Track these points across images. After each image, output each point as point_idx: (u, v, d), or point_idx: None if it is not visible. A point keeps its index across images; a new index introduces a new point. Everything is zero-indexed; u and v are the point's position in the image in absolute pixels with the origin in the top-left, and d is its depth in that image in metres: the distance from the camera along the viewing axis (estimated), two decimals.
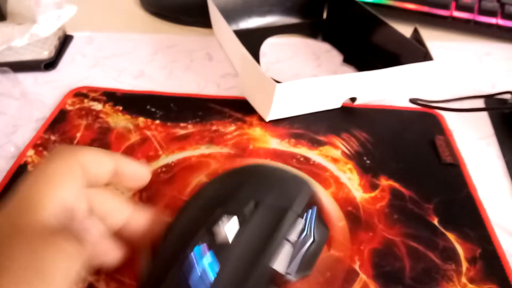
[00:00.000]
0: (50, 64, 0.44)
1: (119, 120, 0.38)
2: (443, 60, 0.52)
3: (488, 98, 0.47)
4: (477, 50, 0.55)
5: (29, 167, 0.34)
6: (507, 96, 0.46)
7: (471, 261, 0.30)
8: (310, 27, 0.55)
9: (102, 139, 0.37)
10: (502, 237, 0.32)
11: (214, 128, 0.39)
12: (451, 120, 0.43)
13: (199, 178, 0.34)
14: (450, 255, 0.30)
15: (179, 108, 0.40)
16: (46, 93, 0.41)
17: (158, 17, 0.54)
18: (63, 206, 0.21)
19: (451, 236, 0.32)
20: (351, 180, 0.35)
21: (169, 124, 0.39)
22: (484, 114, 0.45)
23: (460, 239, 0.32)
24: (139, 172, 0.26)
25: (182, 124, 0.39)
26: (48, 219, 0.20)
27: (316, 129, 0.40)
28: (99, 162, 0.24)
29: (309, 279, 0.27)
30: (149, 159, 0.35)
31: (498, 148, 0.41)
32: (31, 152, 0.35)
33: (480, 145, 0.41)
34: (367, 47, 0.50)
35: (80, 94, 0.41)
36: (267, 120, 0.40)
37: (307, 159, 0.37)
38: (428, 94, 0.46)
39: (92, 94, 0.41)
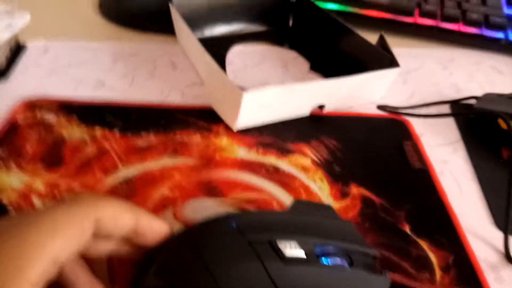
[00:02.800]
0: (0, 74, 0.41)
1: (74, 132, 0.36)
2: (408, 67, 0.52)
3: (454, 103, 0.47)
4: (441, 56, 0.56)
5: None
6: (472, 101, 0.47)
7: (445, 269, 0.30)
8: (276, 35, 0.54)
9: (54, 152, 0.34)
10: (473, 242, 0.32)
11: (178, 138, 0.37)
12: (418, 126, 0.43)
13: (161, 191, 0.32)
14: (423, 263, 0.30)
15: (141, 118, 0.38)
16: None
17: (118, 24, 0.52)
18: (54, 263, 0.19)
19: (423, 244, 0.31)
20: (322, 189, 0.34)
21: (129, 135, 0.37)
22: (451, 120, 0.45)
23: (433, 246, 0.31)
24: (159, 232, 0.24)
25: (143, 134, 0.37)
26: (34, 279, 0.18)
27: (285, 137, 0.39)
28: (118, 220, 0.21)
29: None
30: (107, 172, 0.33)
31: (466, 153, 0.41)
32: None
33: (448, 150, 0.41)
34: (334, 54, 0.49)
35: (32, 105, 0.38)
36: (234, 129, 0.38)
37: (276, 169, 0.36)
38: (395, 100, 0.45)
39: (45, 105, 0.38)
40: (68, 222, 0.19)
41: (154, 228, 0.23)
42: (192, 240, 0.22)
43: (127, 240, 0.23)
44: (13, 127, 0.36)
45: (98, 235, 0.21)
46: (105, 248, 0.23)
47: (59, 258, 0.19)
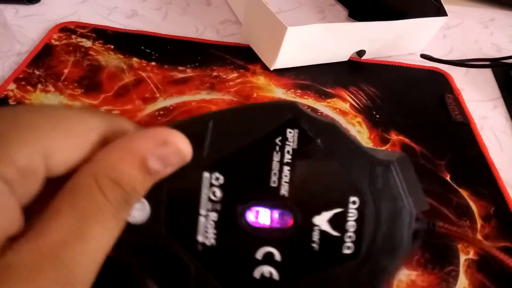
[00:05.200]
0: None
1: (110, 59, 0.35)
2: (448, 23, 0.50)
3: (494, 61, 0.45)
4: (482, 15, 0.53)
5: (10, 102, 0.30)
6: None
7: (485, 218, 0.29)
8: None
9: (92, 77, 0.33)
10: None
11: (215, 74, 0.36)
12: (458, 81, 0.42)
13: None
14: (464, 211, 0.29)
15: (177, 51, 0.37)
16: (28, 27, 0.37)
17: None
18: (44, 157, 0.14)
19: (464, 193, 0.31)
20: (361, 133, 0.34)
21: (166, 66, 0.36)
22: (491, 77, 0.44)
23: (474, 196, 0.30)
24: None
25: (180, 68, 0.36)
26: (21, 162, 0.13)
27: (323, 81, 0.38)
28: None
29: None
30: (146, 101, 0.32)
31: (506, 110, 0.40)
32: (12, 86, 0.31)
33: (488, 106, 0.40)
34: (374, 2, 0.47)
35: (67, 29, 0.37)
36: (272, 68, 0.37)
37: (314, 110, 0.35)
38: (434, 54, 0.43)
39: (80, 30, 0.37)
40: (80, 120, 0.15)
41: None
42: None
43: None
44: (47, 48, 0.35)
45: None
46: None
47: (53, 156, 0.14)
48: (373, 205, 0.16)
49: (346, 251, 0.16)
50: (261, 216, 0.17)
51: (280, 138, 0.17)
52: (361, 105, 0.36)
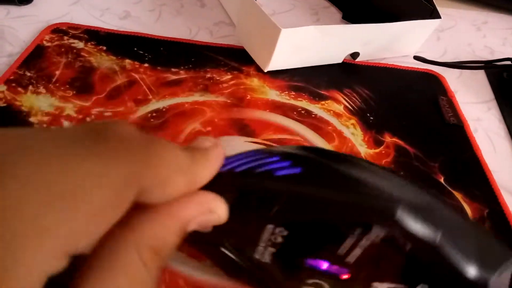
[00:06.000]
0: None
1: (103, 61, 0.35)
2: (442, 25, 0.50)
3: (488, 64, 0.45)
4: (475, 18, 0.54)
5: (0, 103, 0.30)
6: (507, 63, 0.45)
7: (479, 220, 0.29)
8: None
9: (84, 78, 0.33)
10: (506, 198, 0.31)
11: (208, 75, 0.36)
12: (452, 83, 0.42)
13: (193, 126, 0.31)
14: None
15: (170, 53, 0.37)
16: (19, 27, 0.37)
17: None
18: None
19: (458, 195, 0.30)
20: (355, 135, 0.34)
21: (159, 68, 0.35)
22: (484, 79, 0.44)
23: (467, 198, 0.30)
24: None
25: (173, 69, 0.36)
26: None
27: (317, 83, 0.38)
28: (169, 188, 0.14)
29: None
30: (138, 103, 0.32)
31: (499, 112, 0.40)
32: (3, 88, 0.31)
33: (481, 108, 0.40)
34: (367, 4, 0.47)
35: (59, 30, 0.36)
36: (266, 70, 0.37)
37: (308, 112, 0.35)
38: (428, 56, 0.43)
39: (72, 31, 0.37)
40: (100, 187, 0.12)
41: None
42: None
43: None
44: (39, 50, 0.34)
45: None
46: None
47: (75, 247, 0.12)
48: None
49: None
50: (320, 263, 0.16)
51: (362, 230, 0.15)
52: (355, 107, 0.36)
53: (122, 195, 0.12)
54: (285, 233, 0.16)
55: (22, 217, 0.10)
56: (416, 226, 0.15)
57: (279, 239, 0.16)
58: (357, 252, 0.16)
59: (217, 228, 0.16)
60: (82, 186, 0.11)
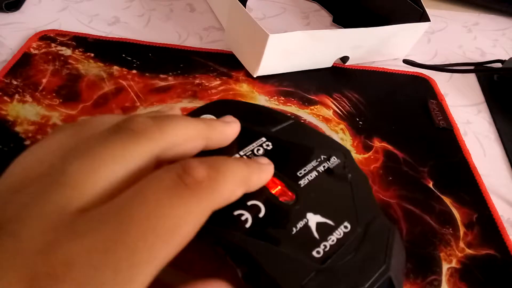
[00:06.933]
0: (12, 4, 0.39)
1: (90, 68, 0.34)
2: (433, 27, 0.50)
3: (478, 65, 0.46)
4: (466, 19, 0.54)
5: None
6: (497, 65, 0.45)
7: (468, 226, 0.29)
8: None
9: (71, 86, 0.33)
10: (496, 202, 0.31)
11: (197, 81, 0.36)
12: (442, 86, 0.42)
13: None
14: (446, 219, 0.29)
15: (159, 59, 0.37)
16: (6, 35, 0.36)
17: None
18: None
19: (447, 200, 0.30)
20: (344, 141, 0.33)
21: (147, 74, 0.35)
22: (475, 82, 0.44)
23: (456, 203, 0.30)
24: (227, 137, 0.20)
25: (162, 76, 0.35)
26: None
27: (306, 88, 0.37)
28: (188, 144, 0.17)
29: None
30: (126, 110, 0.32)
31: (489, 115, 0.40)
32: None
33: (472, 111, 0.40)
34: (358, 7, 0.47)
35: (46, 37, 0.36)
36: (255, 75, 0.37)
37: (297, 118, 0.34)
38: (418, 59, 0.44)
39: (60, 39, 0.36)
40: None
41: (222, 135, 0.20)
42: None
43: None
44: (26, 58, 0.34)
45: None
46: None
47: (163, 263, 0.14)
48: (358, 241, 0.18)
49: (314, 254, 0.17)
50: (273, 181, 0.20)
51: (325, 156, 0.22)
52: (345, 112, 0.36)
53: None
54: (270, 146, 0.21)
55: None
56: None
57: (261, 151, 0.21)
58: (312, 175, 0.20)
59: None
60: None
